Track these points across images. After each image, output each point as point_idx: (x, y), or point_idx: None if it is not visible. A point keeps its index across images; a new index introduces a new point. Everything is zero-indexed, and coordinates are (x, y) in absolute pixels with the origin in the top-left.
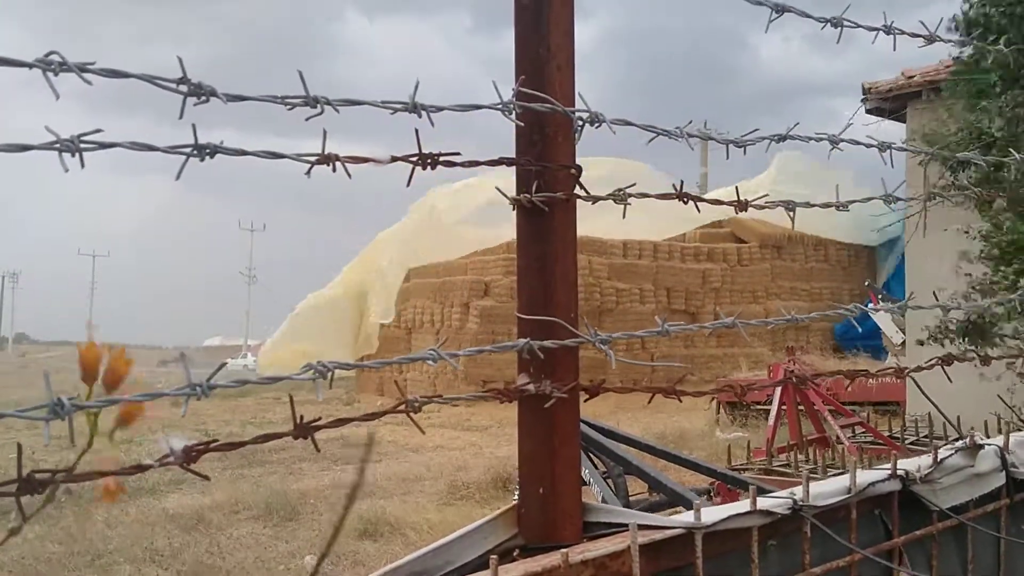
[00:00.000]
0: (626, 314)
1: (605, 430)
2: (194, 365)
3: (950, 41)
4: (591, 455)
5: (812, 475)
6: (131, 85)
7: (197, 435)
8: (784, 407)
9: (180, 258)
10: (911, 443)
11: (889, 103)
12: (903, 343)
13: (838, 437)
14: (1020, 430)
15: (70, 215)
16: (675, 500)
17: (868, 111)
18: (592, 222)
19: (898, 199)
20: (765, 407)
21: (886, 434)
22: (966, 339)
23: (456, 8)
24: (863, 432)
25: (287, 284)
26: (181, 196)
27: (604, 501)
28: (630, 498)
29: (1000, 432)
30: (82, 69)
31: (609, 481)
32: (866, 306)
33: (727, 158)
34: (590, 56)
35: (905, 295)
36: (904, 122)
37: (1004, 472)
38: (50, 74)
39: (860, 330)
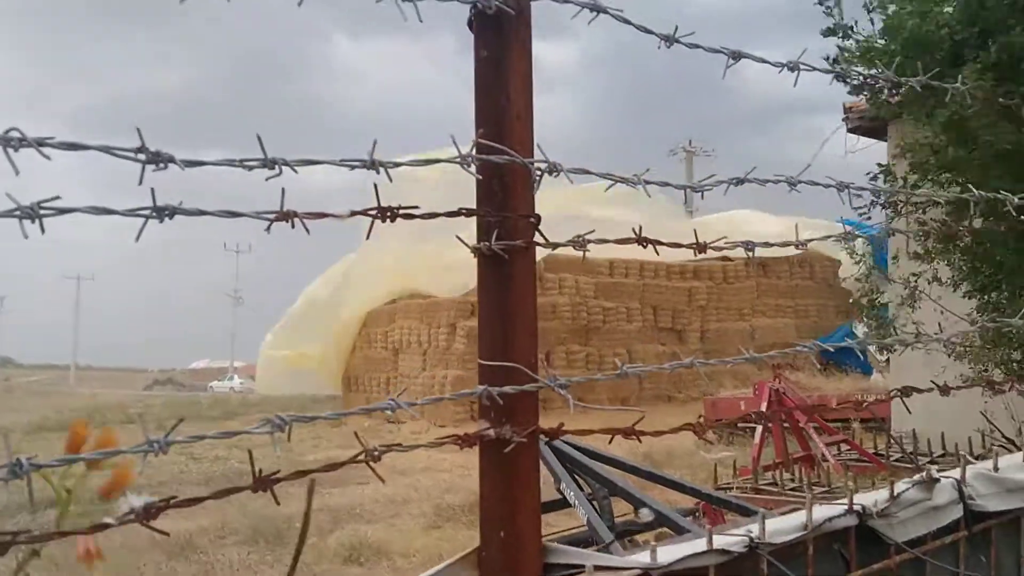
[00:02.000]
0: (613, 333)
1: (590, 451)
2: (181, 388)
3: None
4: (576, 477)
5: (798, 492)
6: (117, 100)
7: (183, 458)
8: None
9: (166, 280)
10: (896, 460)
11: (873, 123)
12: (888, 360)
13: (823, 455)
14: (981, 457)
15: (54, 238)
16: (661, 521)
17: (850, 130)
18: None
19: (856, 236)
20: (751, 425)
21: (871, 451)
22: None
23: (441, 30)
24: (848, 449)
25: (273, 305)
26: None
27: (589, 523)
28: (615, 519)
29: (984, 450)
30: (40, 144)
31: (594, 503)
32: (848, 327)
33: (686, 203)
34: (574, 78)
35: (889, 312)
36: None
37: (961, 504)
38: (11, 150)
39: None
